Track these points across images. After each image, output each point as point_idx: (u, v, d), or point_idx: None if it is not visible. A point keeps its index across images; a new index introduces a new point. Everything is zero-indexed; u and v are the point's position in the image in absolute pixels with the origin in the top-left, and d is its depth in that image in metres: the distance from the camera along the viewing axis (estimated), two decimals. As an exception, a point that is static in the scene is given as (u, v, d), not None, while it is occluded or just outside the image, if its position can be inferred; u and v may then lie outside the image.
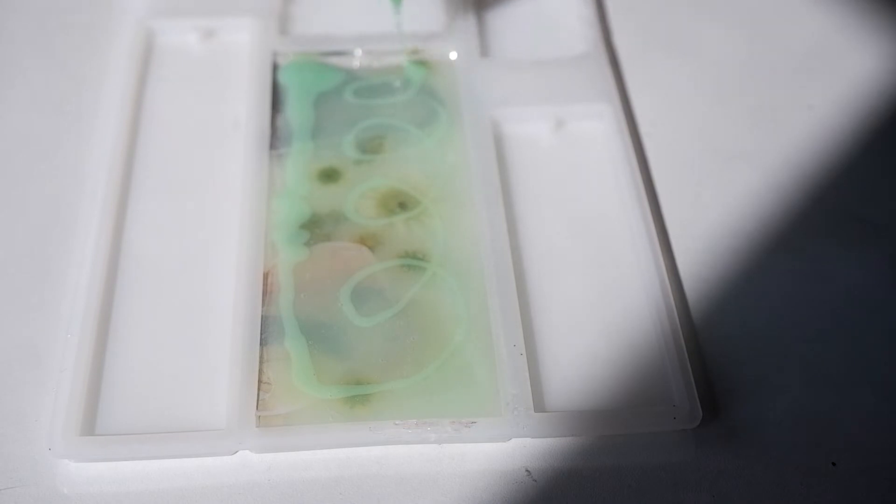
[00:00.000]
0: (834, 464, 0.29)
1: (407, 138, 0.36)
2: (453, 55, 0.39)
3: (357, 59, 0.39)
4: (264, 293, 0.31)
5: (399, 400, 0.29)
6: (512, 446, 0.29)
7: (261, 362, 0.30)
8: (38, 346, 0.31)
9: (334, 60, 0.39)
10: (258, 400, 0.29)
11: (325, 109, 0.37)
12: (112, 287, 0.32)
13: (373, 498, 0.28)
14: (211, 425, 0.29)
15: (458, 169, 0.35)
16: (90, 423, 0.29)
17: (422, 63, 0.39)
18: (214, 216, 0.34)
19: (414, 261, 0.32)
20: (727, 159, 0.36)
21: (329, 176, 0.35)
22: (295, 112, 0.37)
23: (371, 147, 0.36)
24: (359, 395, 0.29)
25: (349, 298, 0.31)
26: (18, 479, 0.28)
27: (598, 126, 0.37)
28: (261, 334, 0.30)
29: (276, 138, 0.36)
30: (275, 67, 0.38)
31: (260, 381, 0.29)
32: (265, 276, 0.32)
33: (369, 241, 0.33)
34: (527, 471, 0.29)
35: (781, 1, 0.43)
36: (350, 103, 0.37)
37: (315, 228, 0.33)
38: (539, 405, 0.29)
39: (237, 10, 0.40)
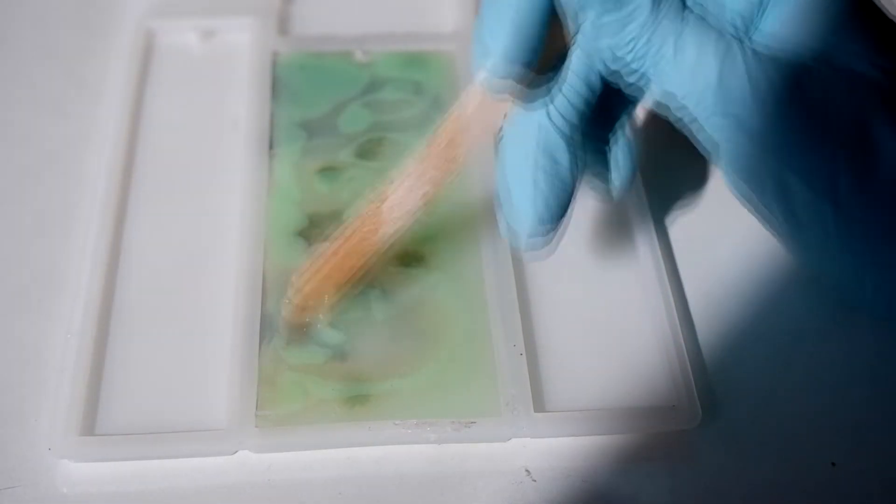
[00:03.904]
0: (834, 464, 0.29)
1: (407, 138, 0.36)
2: (453, 55, 0.39)
3: (357, 59, 0.39)
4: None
5: (399, 400, 0.29)
6: (512, 446, 0.29)
7: (260, 357, 0.30)
8: (38, 346, 0.31)
9: (336, 61, 0.39)
10: (258, 399, 0.29)
11: (326, 110, 0.37)
12: (112, 287, 0.32)
13: (373, 498, 0.28)
14: (211, 425, 0.29)
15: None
16: (90, 423, 0.29)
17: (422, 63, 0.39)
18: (214, 216, 0.34)
19: (414, 261, 0.32)
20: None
21: (330, 176, 0.35)
22: (295, 112, 0.37)
23: (372, 147, 0.36)
24: (359, 394, 0.29)
25: (349, 298, 0.31)
26: (18, 479, 0.28)
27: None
28: (261, 333, 0.30)
29: (276, 138, 0.36)
30: (279, 66, 0.38)
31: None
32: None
33: None
34: (527, 471, 0.29)
35: None
36: (353, 105, 0.37)
37: (314, 229, 0.33)
38: (539, 405, 0.29)
39: (237, 10, 0.40)
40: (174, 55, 0.39)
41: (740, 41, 0.25)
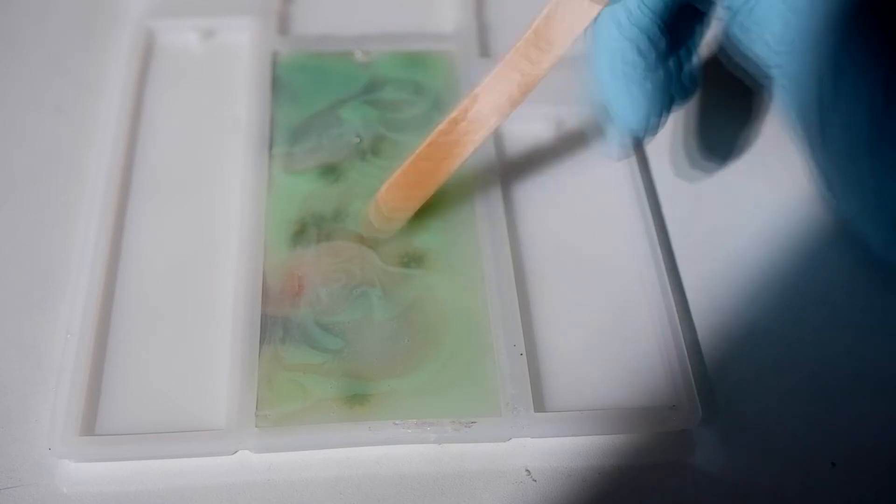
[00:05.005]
0: (834, 464, 0.29)
1: (407, 138, 0.36)
2: (452, 55, 0.39)
3: (357, 59, 0.39)
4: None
5: (399, 400, 0.29)
6: (512, 446, 0.29)
7: (261, 359, 0.30)
8: (38, 346, 0.31)
9: (336, 61, 0.39)
10: (258, 399, 0.29)
11: (326, 110, 0.37)
12: (112, 287, 0.32)
13: (373, 498, 0.28)
14: (211, 425, 0.29)
15: (457, 169, 0.35)
16: (90, 423, 0.29)
17: (424, 64, 0.39)
18: (214, 216, 0.34)
19: (414, 261, 0.32)
20: (727, 156, 0.36)
21: (330, 176, 0.35)
22: (295, 112, 0.37)
23: (372, 147, 0.36)
24: (358, 394, 0.29)
25: (349, 298, 0.31)
26: (18, 479, 0.28)
27: (597, 125, 0.37)
28: (261, 333, 0.30)
29: (276, 138, 0.36)
30: (279, 66, 0.38)
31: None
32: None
33: (370, 241, 0.33)
34: (527, 471, 0.29)
35: None
36: (353, 105, 0.37)
37: (316, 228, 0.33)
38: (539, 405, 0.29)
39: (237, 10, 0.40)
40: (174, 55, 0.39)
41: None
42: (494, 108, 0.30)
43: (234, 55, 0.39)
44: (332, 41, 0.39)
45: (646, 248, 0.33)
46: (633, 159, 0.35)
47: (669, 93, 0.29)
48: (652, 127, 0.29)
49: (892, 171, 0.26)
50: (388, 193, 0.32)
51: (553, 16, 0.28)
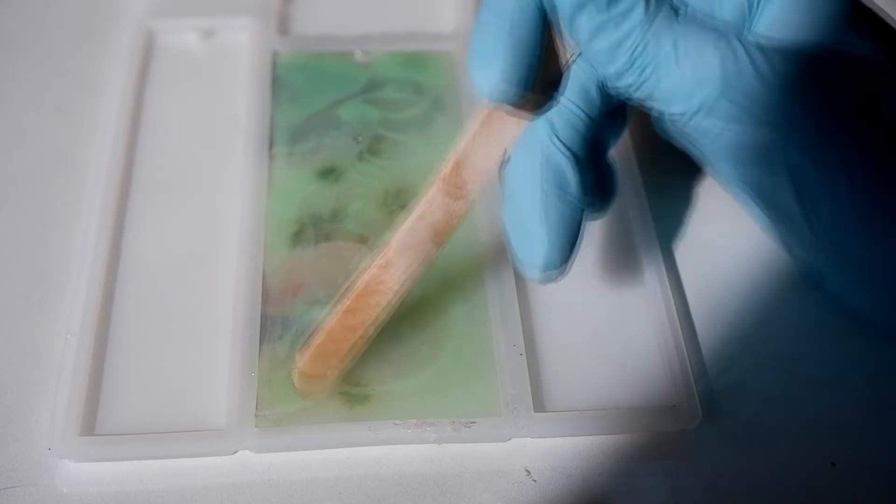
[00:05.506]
0: (833, 464, 0.29)
1: (408, 138, 0.36)
2: (452, 55, 0.39)
3: (357, 59, 0.39)
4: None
5: (399, 400, 0.29)
6: (512, 446, 0.29)
7: (261, 360, 0.30)
8: (38, 346, 0.31)
9: (336, 62, 0.39)
10: (258, 399, 0.29)
11: (326, 110, 0.37)
12: (112, 287, 0.32)
13: (373, 498, 0.28)
14: (211, 425, 0.29)
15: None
16: (90, 423, 0.29)
17: (424, 65, 0.39)
18: (214, 216, 0.34)
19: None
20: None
21: (330, 176, 0.35)
22: (295, 112, 0.37)
23: (372, 147, 0.36)
24: (359, 394, 0.29)
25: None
26: (18, 478, 0.28)
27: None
28: (261, 333, 0.30)
29: (276, 138, 0.36)
30: (279, 66, 0.38)
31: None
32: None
33: (370, 242, 0.33)
34: (526, 471, 0.29)
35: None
36: (353, 105, 0.37)
37: (315, 228, 0.33)
38: (539, 405, 0.29)
39: (237, 10, 0.40)
40: (174, 55, 0.39)
41: (737, 38, 0.26)
42: (419, 255, 0.27)
43: (234, 55, 0.39)
44: (332, 41, 0.39)
45: (646, 248, 0.33)
46: (633, 158, 0.35)
47: (581, 225, 0.27)
48: (557, 264, 0.26)
49: (882, 242, 0.26)
50: (311, 362, 0.29)
51: (475, 141, 0.26)
